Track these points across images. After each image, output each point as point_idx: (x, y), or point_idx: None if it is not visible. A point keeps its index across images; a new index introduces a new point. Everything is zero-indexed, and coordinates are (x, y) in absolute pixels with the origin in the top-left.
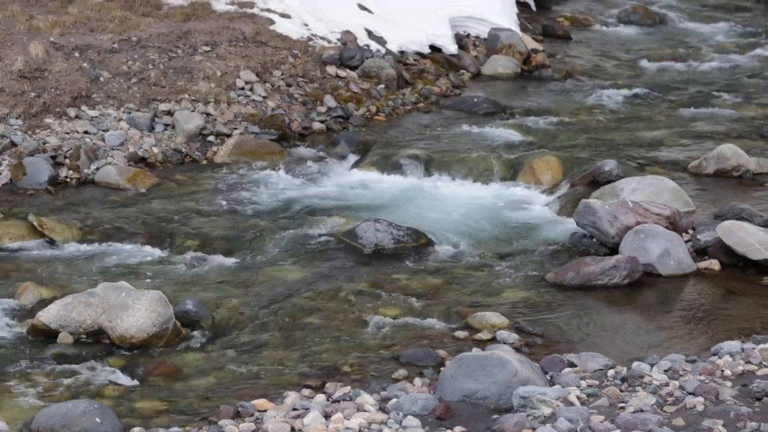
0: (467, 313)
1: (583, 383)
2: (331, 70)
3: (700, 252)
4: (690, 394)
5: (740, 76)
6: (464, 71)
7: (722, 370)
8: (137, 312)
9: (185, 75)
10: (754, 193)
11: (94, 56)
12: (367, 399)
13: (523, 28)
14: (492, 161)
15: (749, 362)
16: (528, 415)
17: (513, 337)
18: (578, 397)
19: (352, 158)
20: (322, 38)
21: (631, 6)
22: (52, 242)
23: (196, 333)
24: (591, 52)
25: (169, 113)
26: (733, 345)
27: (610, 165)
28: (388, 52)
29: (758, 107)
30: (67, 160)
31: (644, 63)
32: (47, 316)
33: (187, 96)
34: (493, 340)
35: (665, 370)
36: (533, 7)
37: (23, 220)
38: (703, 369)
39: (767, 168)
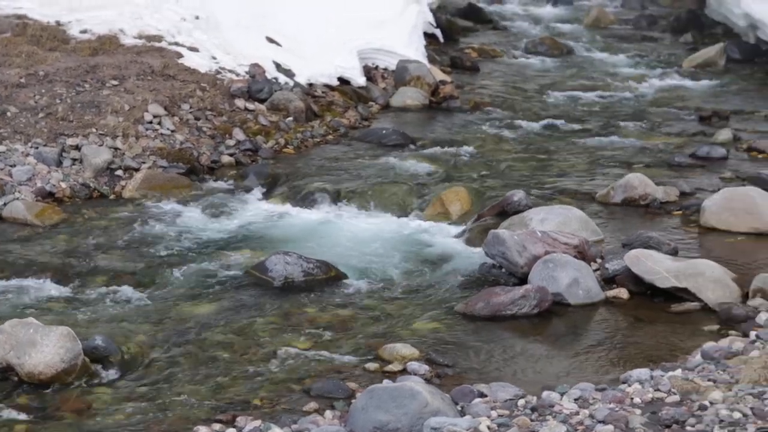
0: (377, 345)
1: (494, 413)
2: (240, 102)
3: (608, 281)
4: (600, 422)
5: (647, 105)
6: (373, 103)
7: (632, 398)
8: (45, 348)
9: (93, 109)
10: (661, 221)
11: (0, 91)
12: None
13: (432, 60)
14: (401, 193)
15: (658, 390)
16: None
17: (423, 368)
18: (489, 428)
19: (262, 191)
20: (231, 71)
21: (539, 37)
22: None
23: (105, 369)
24: (499, 83)
25: (77, 148)
26: (642, 373)
27: (518, 195)
28: (297, 84)
29: (665, 136)
30: None
31: (552, 93)
32: None
33: (94, 130)
34: (404, 371)
35: (575, 399)
36: (441, 39)
37: None
38: (613, 397)
39: (674, 196)
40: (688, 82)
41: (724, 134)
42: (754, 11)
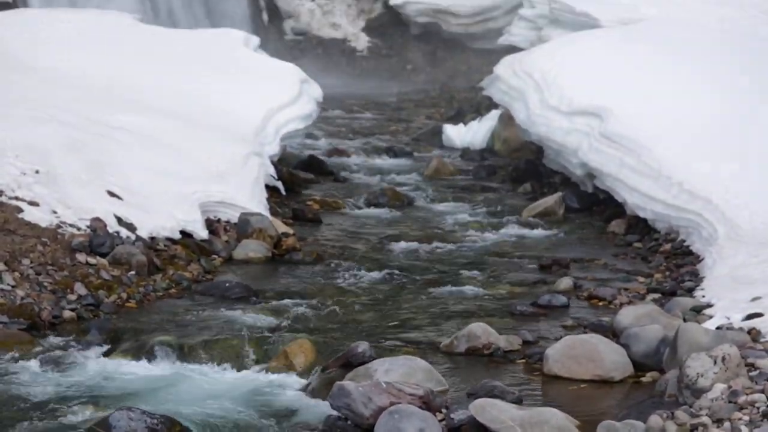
0: None
1: None
2: (81, 257)
3: (454, 430)
4: None
5: (488, 255)
6: (215, 256)
7: None
8: None
9: None
10: (505, 370)
11: None
12: None
13: (274, 212)
14: (245, 346)
15: None
16: None
17: None
18: None
19: (104, 346)
20: (72, 225)
21: (380, 188)
22: None
23: None
24: (341, 234)
25: None
26: None
27: (362, 347)
28: (139, 238)
29: (506, 285)
30: None
31: (394, 244)
32: None
33: None
34: None
35: None
36: (283, 191)
37: None
38: None
39: (517, 345)
40: (528, 232)
41: (565, 282)
42: (590, 160)
